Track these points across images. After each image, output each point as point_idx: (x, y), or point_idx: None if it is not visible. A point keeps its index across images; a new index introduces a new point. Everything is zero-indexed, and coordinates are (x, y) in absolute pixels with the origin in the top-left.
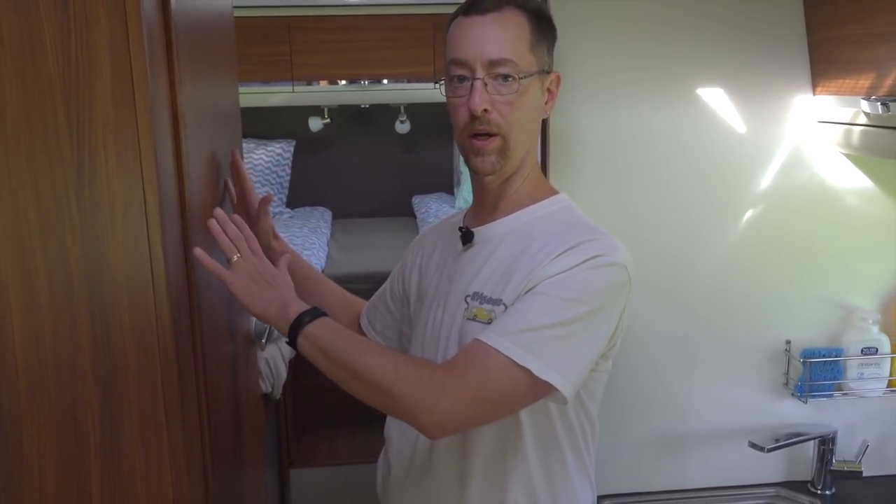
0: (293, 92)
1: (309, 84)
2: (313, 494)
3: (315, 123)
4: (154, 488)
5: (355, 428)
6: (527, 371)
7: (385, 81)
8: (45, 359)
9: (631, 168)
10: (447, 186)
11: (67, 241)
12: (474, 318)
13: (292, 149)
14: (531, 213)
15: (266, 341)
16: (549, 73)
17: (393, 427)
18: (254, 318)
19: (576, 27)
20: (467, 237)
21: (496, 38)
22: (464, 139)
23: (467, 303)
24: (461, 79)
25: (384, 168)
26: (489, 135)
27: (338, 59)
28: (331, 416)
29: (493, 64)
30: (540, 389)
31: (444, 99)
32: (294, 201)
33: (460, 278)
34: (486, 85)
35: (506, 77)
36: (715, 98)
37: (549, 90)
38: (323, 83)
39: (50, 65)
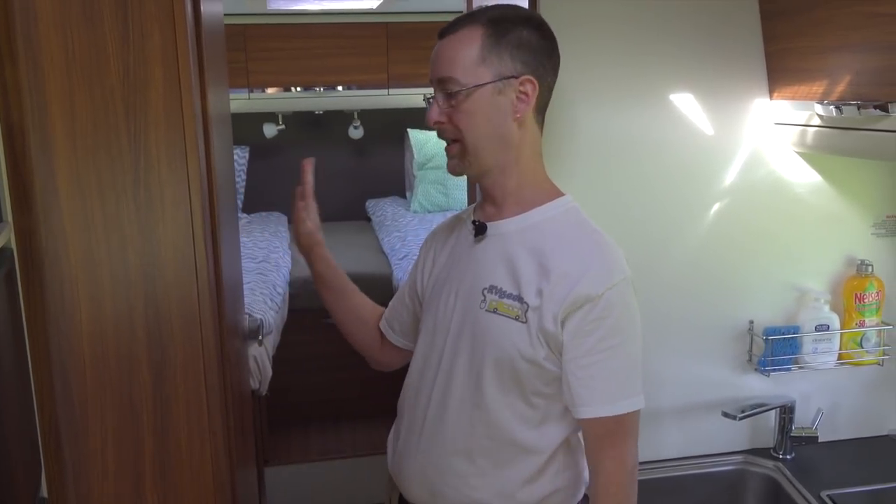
0: (249, 99)
1: (264, 91)
2: (287, 492)
3: (269, 129)
4: (197, 468)
5: (325, 426)
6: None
7: (339, 88)
8: (107, 346)
9: (610, 165)
10: (400, 190)
11: (126, 239)
12: (495, 311)
13: (247, 155)
14: (539, 213)
15: (262, 338)
16: (513, 77)
17: (406, 402)
18: (247, 315)
19: (560, 32)
20: (480, 230)
21: (443, 58)
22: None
23: (484, 295)
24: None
25: (338, 173)
26: (454, 141)
27: (292, 66)
28: (302, 414)
29: (441, 82)
30: None
31: (395, 105)
32: (249, 206)
33: (474, 269)
34: (440, 101)
35: (452, 92)
36: (684, 102)
37: (521, 93)
38: (277, 90)
39: (112, 73)
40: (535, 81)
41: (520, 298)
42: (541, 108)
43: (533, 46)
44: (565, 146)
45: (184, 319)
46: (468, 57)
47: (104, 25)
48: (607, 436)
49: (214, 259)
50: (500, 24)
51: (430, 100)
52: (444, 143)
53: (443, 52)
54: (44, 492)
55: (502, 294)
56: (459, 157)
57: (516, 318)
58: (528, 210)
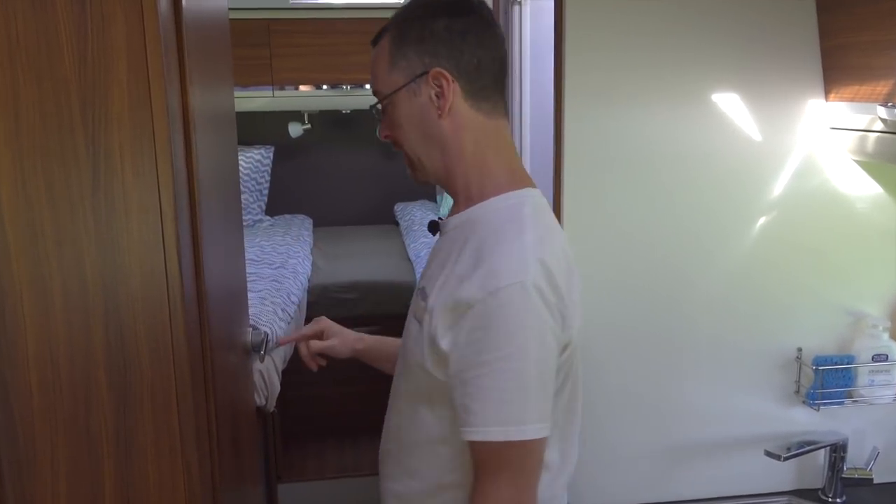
0: (273, 97)
1: (289, 88)
2: None
3: (295, 129)
4: (168, 500)
5: (342, 441)
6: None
7: (367, 86)
8: (59, 371)
9: (645, 172)
10: (430, 194)
11: (83, 250)
12: (413, 314)
13: (271, 155)
14: (480, 209)
15: (264, 353)
16: (423, 74)
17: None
18: (251, 329)
19: (590, 30)
20: (432, 228)
21: (371, 71)
22: None
23: (416, 297)
24: None
25: (366, 175)
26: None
27: (319, 62)
28: (317, 428)
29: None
30: (541, 441)
31: None
32: (273, 209)
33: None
34: (380, 115)
35: (378, 106)
36: (727, 104)
37: (437, 87)
38: (303, 88)
39: (66, 63)
40: (447, 71)
41: (426, 299)
42: (475, 93)
43: (438, 34)
44: (596, 151)
45: (152, 338)
46: (382, 67)
47: (56, 9)
48: (481, 465)
49: (195, 270)
50: (402, 23)
51: None
52: None
53: (371, 65)
54: None
55: (423, 295)
56: (411, 167)
57: (419, 321)
58: (474, 205)
